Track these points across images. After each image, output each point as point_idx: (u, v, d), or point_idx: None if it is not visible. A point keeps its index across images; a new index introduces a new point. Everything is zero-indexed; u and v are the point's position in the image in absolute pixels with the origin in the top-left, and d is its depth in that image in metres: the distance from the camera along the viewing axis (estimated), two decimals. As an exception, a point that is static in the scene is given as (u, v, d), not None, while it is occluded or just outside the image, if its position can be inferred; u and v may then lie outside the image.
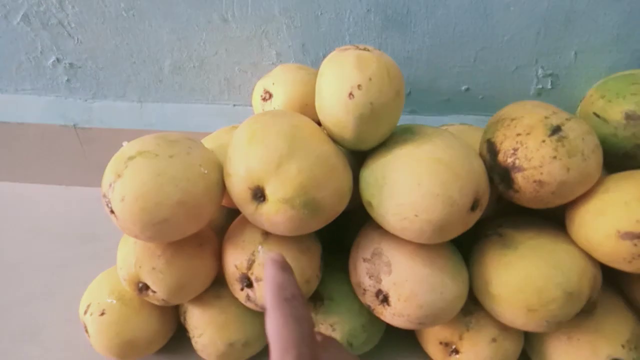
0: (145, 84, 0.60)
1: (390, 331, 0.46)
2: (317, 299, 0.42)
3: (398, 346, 0.47)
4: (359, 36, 0.55)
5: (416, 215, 0.34)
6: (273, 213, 0.34)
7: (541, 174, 0.34)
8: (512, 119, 0.37)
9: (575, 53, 0.54)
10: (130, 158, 0.35)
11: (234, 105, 0.61)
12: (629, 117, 0.38)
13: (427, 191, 0.34)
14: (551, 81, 0.56)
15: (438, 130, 0.39)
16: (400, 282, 0.37)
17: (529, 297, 0.36)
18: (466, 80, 0.58)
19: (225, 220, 0.45)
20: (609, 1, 0.51)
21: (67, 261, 0.54)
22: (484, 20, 0.52)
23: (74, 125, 0.61)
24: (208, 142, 0.46)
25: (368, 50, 0.37)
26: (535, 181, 0.35)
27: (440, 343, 0.42)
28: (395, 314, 0.38)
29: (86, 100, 0.62)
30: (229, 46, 0.57)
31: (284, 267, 0.28)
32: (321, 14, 0.53)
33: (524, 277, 0.37)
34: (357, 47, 0.38)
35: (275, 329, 0.23)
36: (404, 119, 0.61)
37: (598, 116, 0.39)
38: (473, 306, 0.41)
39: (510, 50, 0.54)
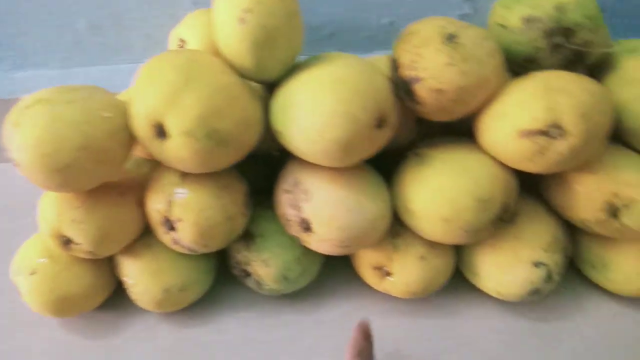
0: (66, 49, 0.59)
1: (330, 264, 0.47)
2: (248, 237, 0.43)
3: (338, 277, 0.47)
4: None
5: (320, 136, 0.34)
6: (177, 148, 0.34)
7: (439, 82, 0.35)
8: (411, 33, 0.37)
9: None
10: (27, 107, 0.34)
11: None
12: (526, 20, 0.38)
13: (328, 110, 0.34)
14: (470, 6, 0.56)
15: (342, 54, 0.39)
16: (319, 208, 0.38)
17: (442, 208, 0.37)
18: (388, 13, 0.58)
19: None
20: None
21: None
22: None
23: (-1, 97, 0.60)
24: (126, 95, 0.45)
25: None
26: (434, 90, 0.35)
27: (374, 268, 0.43)
28: (319, 240, 0.39)
29: (7, 71, 0.60)
30: (143, 1, 0.55)
31: (367, 335, 0.35)
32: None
33: (436, 189, 0.37)
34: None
35: None
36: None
37: (500, 25, 0.40)
38: (400, 228, 0.42)
39: (426, -24, 0.54)
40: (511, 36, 0.39)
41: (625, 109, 0.38)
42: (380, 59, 0.45)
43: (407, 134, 0.44)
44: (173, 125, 0.33)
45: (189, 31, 0.48)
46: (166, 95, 0.33)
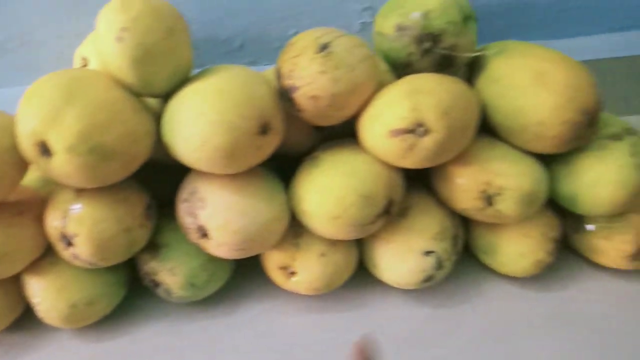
0: (-24, 71, 0.59)
1: (241, 267, 0.48)
2: (154, 247, 0.44)
3: (249, 280, 0.49)
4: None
5: (203, 145, 0.36)
6: (62, 164, 0.35)
7: (313, 89, 0.37)
8: (290, 44, 0.40)
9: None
10: None
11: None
12: (398, 28, 0.41)
13: (209, 119, 0.35)
14: (370, 14, 0.59)
15: (232, 66, 0.40)
16: (214, 214, 0.39)
17: (330, 207, 0.39)
18: (293, 24, 0.60)
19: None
20: None
21: None
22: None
23: None
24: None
25: (143, -5, 0.38)
26: (310, 97, 0.37)
27: (279, 268, 0.44)
28: (216, 245, 0.40)
29: None
30: (50, 19, 0.56)
31: (367, 357, 0.33)
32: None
33: (324, 189, 0.40)
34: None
35: None
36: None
37: (379, 33, 0.42)
38: (301, 228, 0.43)
39: (326, -12, 0.56)
40: (388, 43, 0.42)
41: (490, 105, 0.41)
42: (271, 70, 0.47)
43: (307, 139, 0.46)
44: (56, 143, 0.34)
45: (90, 49, 0.49)
46: (47, 113, 0.34)
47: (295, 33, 0.60)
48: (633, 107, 0.67)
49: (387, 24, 0.41)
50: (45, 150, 0.35)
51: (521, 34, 0.63)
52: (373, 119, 0.38)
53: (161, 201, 0.45)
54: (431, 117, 0.36)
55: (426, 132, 0.36)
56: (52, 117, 0.34)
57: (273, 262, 0.45)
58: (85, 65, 0.49)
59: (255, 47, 0.62)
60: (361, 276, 0.47)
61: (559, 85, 0.38)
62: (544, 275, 0.47)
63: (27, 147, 0.35)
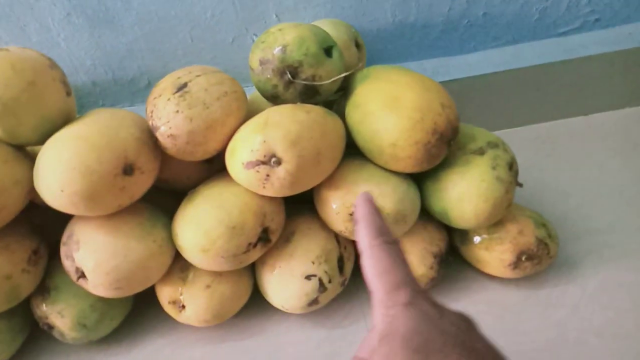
0: None
1: (139, 304, 0.49)
2: (44, 290, 0.45)
3: (149, 315, 0.50)
4: (72, 39, 0.57)
5: (62, 190, 0.37)
6: None
7: (170, 128, 0.38)
8: (156, 86, 0.41)
9: (276, 15, 0.59)
10: None
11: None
12: (261, 62, 0.42)
13: (66, 166, 0.37)
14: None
15: (103, 110, 0.42)
16: (87, 255, 0.40)
17: (200, 240, 0.40)
18: (194, 60, 0.62)
19: None
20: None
21: None
22: (179, 2, 0.56)
23: None
24: None
25: (4, 49, 0.40)
26: (169, 136, 0.39)
27: (170, 302, 0.45)
28: (94, 285, 0.41)
29: None
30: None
31: (377, 210, 0.29)
32: (25, 25, 0.55)
33: (195, 223, 0.41)
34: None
35: (383, 267, 0.23)
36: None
37: (250, 68, 0.44)
38: (188, 262, 0.44)
39: (219, 25, 0.59)
40: (255, 77, 0.44)
41: (354, 130, 0.43)
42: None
43: (191, 173, 0.47)
44: None
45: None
46: None
47: (196, 68, 0.62)
48: (522, 117, 0.70)
49: (253, 58, 0.43)
50: None
51: (414, 53, 0.66)
52: (231, 152, 0.40)
53: (57, 243, 0.46)
54: (280, 148, 0.37)
55: (278, 162, 0.38)
56: None
57: (163, 296, 0.46)
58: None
59: (161, 85, 0.63)
60: (260, 302, 0.48)
61: (408, 108, 0.40)
62: (436, 288, 0.48)
63: None
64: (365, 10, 0.60)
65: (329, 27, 0.50)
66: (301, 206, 0.48)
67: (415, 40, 0.64)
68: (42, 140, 0.41)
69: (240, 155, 0.39)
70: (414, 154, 0.40)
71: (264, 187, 0.39)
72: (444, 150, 0.41)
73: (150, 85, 0.63)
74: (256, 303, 0.48)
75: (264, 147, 0.38)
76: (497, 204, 0.42)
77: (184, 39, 0.60)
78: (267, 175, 0.38)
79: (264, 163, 0.38)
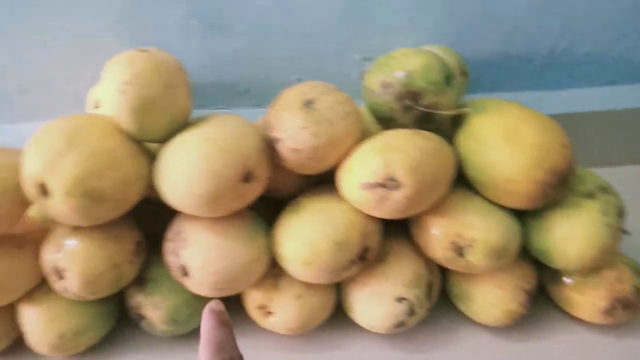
0: (-3, 107, 0.63)
1: (226, 305, 0.50)
2: (141, 282, 0.46)
3: (231, 316, 0.51)
4: (184, 41, 0.59)
5: (187, 191, 0.38)
6: (59, 206, 0.38)
7: (295, 142, 0.40)
8: (279, 98, 0.43)
9: (383, 36, 0.60)
10: None
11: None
12: (382, 85, 0.43)
13: (194, 168, 0.38)
14: (370, 64, 0.62)
15: (224, 115, 0.43)
16: (195, 254, 0.42)
17: (304, 252, 0.41)
18: (295, 71, 0.64)
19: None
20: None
21: None
22: (290, 15, 0.58)
23: None
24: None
25: (144, 50, 0.42)
26: (291, 149, 0.40)
27: (257, 307, 0.46)
28: (197, 284, 0.42)
29: (-56, 128, 0.64)
30: (67, 63, 0.60)
31: (223, 322, 0.27)
32: (144, 24, 0.58)
33: (300, 234, 0.42)
34: (138, 49, 0.42)
35: (212, 333, 0.24)
36: (249, 114, 0.64)
37: (367, 88, 0.45)
38: (281, 269, 0.45)
39: (324, 39, 0.60)
40: (373, 98, 0.44)
41: (466, 160, 0.43)
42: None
43: (294, 183, 0.48)
44: (54, 186, 0.37)
45: (103, 94, 0.52)
46: (48, 158, 0.37)
47: (298, 79, 0.64)
48: (617, 158, 0.68)
49: (373, 79, 0.44)
50: (44, 191, 0.38)
51: (512, 84, 0.65)
52: (348, 172, 0.41)
53: (152, 236, 0.48)
54: (402, 173, 0.38)
55: (397, 186, 0.38)
56: (52, 162, 0.37)
57: (252, 301, 0.47)
58: (97, 107, 0.53)
59: (260, 91, 0.65)
60: (339, 318, 0.48)
61: (530, 144, 0.40)
62: (520, 324, 0.48)
63: (29, 187, 0.39)
64: (471, 38, 0.60)
65: (440, 54, 0.50)
66: (393, 228, 0.48)
67: (514, 72, 0.64)
68: (165, 139, 0.43)
69: (358, 175, 0.39)
70: (530, 192, 0.40)
71: (375, 209, 0.40)
72: (559, 191, 0.41)
73: (248, 92, 0.65)
74: (335, 317, 0.48)
75: (384, 170, 0.38)
76: (603, 251, 0.42)
77: (289, 50, 0.61)
78: (383, 198, 0.39)
79: (382, 185, 0.39)
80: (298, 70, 0.64)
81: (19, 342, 0.47)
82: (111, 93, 0.40)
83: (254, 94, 0.66)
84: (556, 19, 0.61)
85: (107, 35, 0.59)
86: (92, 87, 0.61)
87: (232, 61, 0.62)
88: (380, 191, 0.39)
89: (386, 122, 0.45)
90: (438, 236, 0.43)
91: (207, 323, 0.26)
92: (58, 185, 0.37)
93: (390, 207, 0.39)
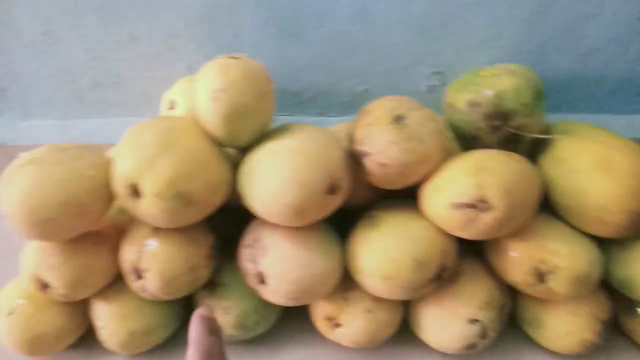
0: (68, 102, 0.65)
1: (289, 312, 0.50)
2: (212, 285, 0.47)
3: (295, 325, 0.51)
4: (259, 47, 0.60)
5: (275, 200, 0.39)
6: (149, 207, 0.38)
7: (384, 157, 0.39)
8: (367, 112, 0.42)
9: (456, 51, 0.60)
10: (21, 166, 0.39)
11: (154, 116, 0.65)
12: (469, 104, 0.43)
13: (282, 177, 0.38)
14: (439, 78, 0.62)
15: (306, 126, 0.44)
16: (273, 263, 0.42)
17: (385, 267, 0.41)
18: (363, 81, 0.63)
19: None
20: (476, 6, 0.56)
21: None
22: (369, 26, 0.58)
23: (2, 143, 0.65)
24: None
25: (236, 58, 0.42)
26: (379, 164, 0.40)
27: (325, 318, 0.46)
28: (272, 292, 0.42)
29: (14, 120, 0.66)
30: (142, 61, 0.61)
31: (213, 329, 0.27)
32: (222, 27, 0.58)
33: (381, 249, 0.42)
34: (228, 56, 0.42)
35: (200, 340, 0.24)
36: (312, 121, 0.66)
37: (450, 105, 0.45)
38: (351, 282, 0.45)
39: (397, 52, 0.60)
40: (458, 116, 0.44)
41: (553, 184, 0.42)
42: (342, 127, 0.50)
43: (365, 196, 0.48)
44: (146, 187, 0.38)
45: (179, 95, 0.53)
46: (142, 159, 0.38)
47: (365, 90, 0.64)
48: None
49: (459, 97, 0.44)
50: (135, 192, 0.39)
51: (582, 106, 0.64)
52: (436, 190, 0.40)
53: (223, 240, 0.48)
54: (494, 195, 0.37)
55: (487, 208, 0.38)
56: (146, 163, 0.38)
57: (320, 311, 0.46)
58: (172, 108, 0.53)
59: (325, 101, 0.65)
60: (403, 334, 0.48)
61: (625, 173, 0.39)
62: (588, 354, 0.47)
63: (119, 186, 0.39)
64: (546, 58, 0.59)
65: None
66: (464, 246, 0.47)
67: (584, 94, 0.63)
68: (246, 146, 0.43)
69: (448, 194, 0.39)
70: (622, 222, 0.39)
71: (461, 229, 0.39)
72: (649, 223, 0.40)
73: (314, 100, 0.65)
74: (396, 333, 0.48)
75: (477, 192, 0.38)
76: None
77: (361, 61, 0.61)
78: (472, 219, 0.38)
79: (472, 207, 0.38)
80: (366, 82, 0.64)
81: (88, 335, 0.48)
82: (203, 100, 0.40)
83: (319, 103, 0.66)
84: (634, 44, 0.59)
85: (183, 37, 0.59)
86: (163, 86, 0.62)
87: (303, 68, 0.63)
88: (470, 212, 0.38)
89: (469, 140, 0.44)
90: (518, 260, 0.42)
91: (196, 329, 0.25)
92: (150, 187, 0.38)
93: (478, 228, 0.39)
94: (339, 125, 0.54)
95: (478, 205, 0.38)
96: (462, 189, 0.38)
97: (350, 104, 0.65)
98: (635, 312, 0.46)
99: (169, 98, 0.55)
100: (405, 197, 0.46)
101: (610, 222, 0.40)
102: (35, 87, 0.64)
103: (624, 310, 0.47)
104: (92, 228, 0.43)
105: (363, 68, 0.62)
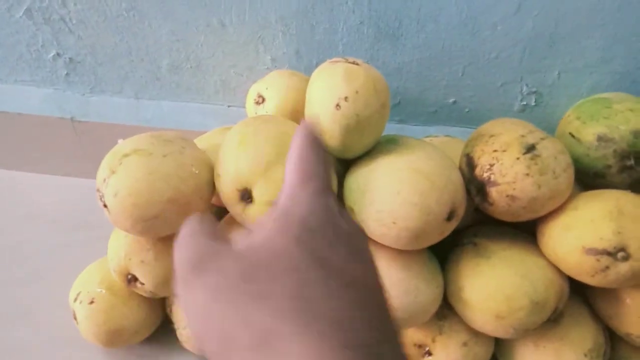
0: (143, 82, 0.62)
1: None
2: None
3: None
4: (352, 46, 0.57)
5: (394, 223, 0.36)
6: (259, 214, 0.36)
7: (514, 189, 0.37)
8: (491, 136, 0.39)
9: (559, 73, 0.56)
10: (125, 155, 0.37)
11: (229, 106, 0.62)
12: (600, 139, 0.40)
13: (405, 200, 0.36)
14: (535, 98, 0.59)
15: (421, 142, 0.41)
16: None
17: (498, 305, 0.38)
18: (453, 93, 0.60)
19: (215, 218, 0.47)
20: (594, 26, 0.53)
21: (59, 248, 0.56)
22: (471, 37, 0.54)
23: (72, 117, 0.63)
24: (201, 142, 0.47)
25: (357, 63, 0.39)
26: (507, 196, 0.37)
27: (415, 345, 0.44)
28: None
29: (84, 95, 0.63)
30: (226, 49, 0.58)
31: (319, 144, 0.24)
32: (316, 23, 0.55)
33: (494, 285, 0.39)
34: (347, 60, 0.40)
35: (303, 155, 0.22)
36: (393, 128, 0.63)
37: (573, 136, 0.42)
38: (447, 311, 0.43)
39: (497, 67, 0.57)
40: (582, 149, 0.41)
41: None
42: (451, 143, 0.47)
43: (466, 221, 0.45)
44: (260, 194, 0.35)
45: (269, 90, 0.50)
46: (258, 165, 0.35)
47: (454, 102, 0.60)
48: None
49: (587, 130, 0.41)
50: (247, 197, 0.36)
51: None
52: (565, 229, 0.37)
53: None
54: (635, 245, 0.35)
55: (625, 258, 0.35)
56: (263, 170, 0.35)
57: (411, 337, 0.44)
58: (259, 102, 0.51)
59: (410, 108, 0.62)
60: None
61: None
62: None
63: (229, 190, 0.37)
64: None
65: None
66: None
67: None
68: (355, 158, 0.40)
69: (583, 237, 0.36)
70: None
71: (591, 276, 0.37)
72: None
73: (399, 105, 0.62)
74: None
75: (617, 239, 0.35)
76: None
77: (454, 72, 0.58)
78: (606, 268, 0.36)
79: (609, 254, 0.35)
80: (456, 94, 0.61)
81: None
82: (323, 107, 0.38)
83: (404, 109, 0.63)
84: None
85: (273, 29, 0.56)
86: (243, 77, 0.59)
87: (393, 73, 0.59)
88: (605, 259, 0.35)
89: (593, 178, 0.41)
90: (638, 310, 0.39)
91: (299, 139, 0.23)
92: (265, 194, 0.35)
93: (610, 278, 0.36)
94: (442, 140, 0.51)
95: (616, 253, 0.35)
96: (600, 234, 0.35)
97: (435, 115, 0.62)
98: None
99: (258, 91, 0.52)
100: (503, 224, 0.44)
101: None
102: (111, 62, 0.61)
103: None
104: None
105: (456, 79, 0.59)
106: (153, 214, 0.36)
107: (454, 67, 0.58)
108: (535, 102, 0.59)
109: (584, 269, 0.37)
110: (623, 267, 0.35)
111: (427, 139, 0.52)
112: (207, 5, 0.54)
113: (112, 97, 0.63)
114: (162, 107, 0.63)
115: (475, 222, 0.47)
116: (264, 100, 0.50)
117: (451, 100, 0.61)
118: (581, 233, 0.36)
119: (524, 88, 0.58)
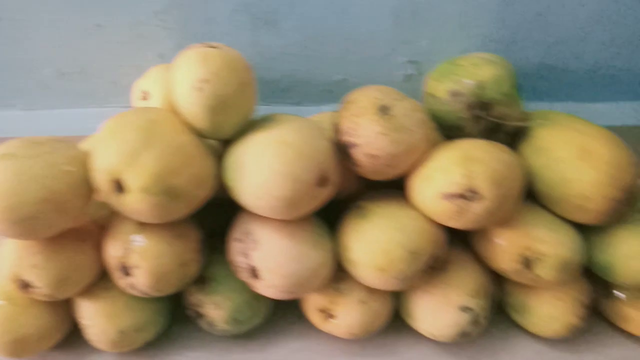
0: (32, 92, 0.62)
1: (280, 305, 0.50)
2: (202, 280, 0.46)
3: (287, 317, 0.51)
4: (232, 35, 0.58)
5: (266, 194, 0.38)
6: (134, 202, 0.37)
7: (373, 148, 0.39)
8: (351, 102, 0.42)
9: (429, 41, 0.60)
10: (-6, 161, 0.37)
11: (125, 107, 0.63)
12: (451, 94, 0.43)
13: (273, 170, 0.38)
14: (415, 68, 0.62)
15: (294, 117, 0.43)
16: (267, 257, 0.41)
17: (378, 258, 0.41)
18: (340, 70, 0.63)
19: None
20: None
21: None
22: (343, 14, 0.57)
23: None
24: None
25: (214, 47, 0.41)
26: (368, 155, 0.40)
27: (318, 310, 0.46)
28: (266, 286, 0.42)
29: (-24, 111, 0.62)
30: (109, 50, 0.59)
31: None
32: (192, 15, 0.56)
33: (373, 241, 0.42)
34: (207, 45, 0.41)
35: None
36: (290, 110, 0.65)
37: (432, 95, 0.45)
38: (343, 274, 0.45)
39: (373, 41, 0.60)
40: (440, 106, 0.44)
41: (535, 175, 0.43)
42: (324, 117, 0.49)
43: (351, 186, 0.48)
44: (131, 182, 0.37)
45: (152, 84, 0.51)
46: (126, 154, 0.37)
47: (342, 79, 0.63)
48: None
49: (440, 87, 0.44)
50: (119, 187, 0.37)
51: (551, 95, 0.66)
52: (425, 180, 0.41)
53: (211, 234, 0.47)
54: (484, 185, 0.38)
55: (477, 198, 0.38)
56: (130, 158, 0.36)
57: (313, 303, 0.46)
58: (144, 99, 0.52)
59: (301, 90, 0.65)
60: (394, 323, 0.48)
61: (603, 162, 0.40)
62: (572, 337, 0.48)
63: (103, 182, 0.38)
64: (517, 47, 0.60)
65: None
66: (452, 236, 0.48)
67: (554, 83, 0.65)
68: (230, 138, 0.42)
69: (438, 184, 0.39)
70: (603, 209, 0.40)
71: (452, 219, 0.40)
72: (628, 209, 0.41)
73: (291, 89, 0.64)
74: (390, 322, 0.48)
75: (467, 182, 0.38)
76: (668, 268, 0.42)
77: (336, 50, 0.61)
78: (462, 209, 0.39)
79: (462, 197, 0.39)
80: (343, 71, 0.63)
81: (73, 334, 0.47)
82: (184, 91, 0.39)
83: (294, 92, 0.65)
84: (604, 34, 0.61)
85: (152, 25, 0.57)
86: (133, 76, 0.60)
87: (278, 57, 0.62)
88: (460, 202, 0.39)
89: (452, 130, 0.45)
90: (505, 248, 0.43)
91: None
92: (136, 182, 0.37)
93: (468, 218, 0.39)
94: (320, 115, 0.53)
95: (468, 195, 0.38)
96: (452, 179, 0.39)
97: (329, 93, 0.65)
98: (614, 295, 0.48)
99: (142, 88, 0.53)
100: (391, 187, 0.47)
101: (591, 209, 0.41)
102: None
103: (601, 293, 0.49)
104: (73, 225, 0.42)
105: (339, 57, 0.62)
106: (29, 215, 0.36)
107: (334, 45, 0.60)
108: (416, 70, 0.62)
109: (446, 214, 0.40)
110: (477, 207, 0.39)
111: (317, 115, 0.54)
112: (80, 8, 0.55)
113: (5, 111, 0.63)
114: (55, 115, 0.63)
115: (368, 189, 0.49)
116: (148, 96, 0.51)
117: (339, 77, 0.63)
118: (437, 181, 0.40)
119: (402, 59, 0.62)
